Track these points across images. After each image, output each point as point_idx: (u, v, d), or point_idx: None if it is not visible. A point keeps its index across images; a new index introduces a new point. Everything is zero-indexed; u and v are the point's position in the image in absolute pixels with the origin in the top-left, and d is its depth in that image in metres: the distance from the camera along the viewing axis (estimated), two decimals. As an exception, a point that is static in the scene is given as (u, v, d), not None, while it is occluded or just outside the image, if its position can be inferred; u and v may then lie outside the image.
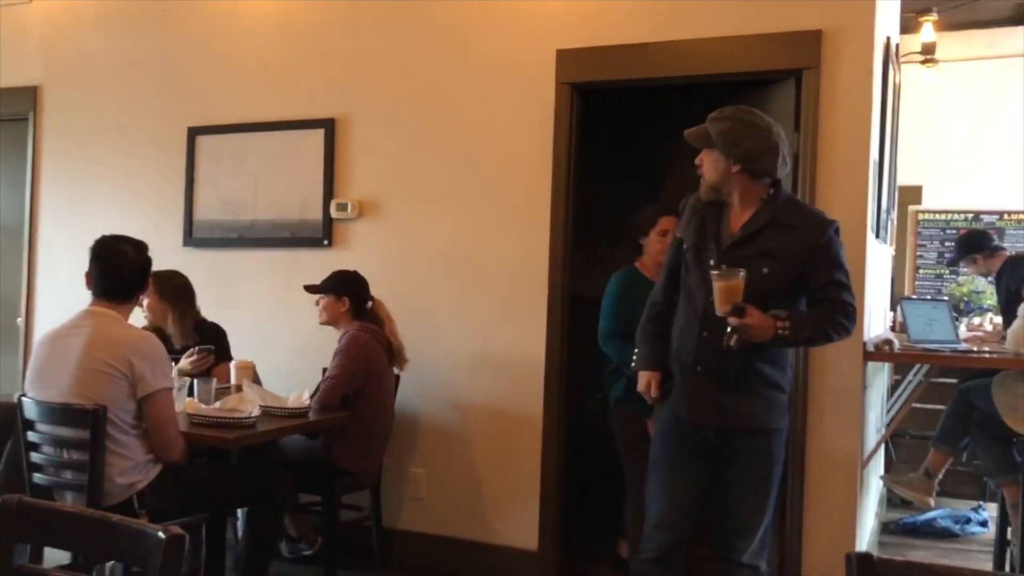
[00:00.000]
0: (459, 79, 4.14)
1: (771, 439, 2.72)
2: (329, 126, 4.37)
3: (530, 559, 3.91)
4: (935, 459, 3.82)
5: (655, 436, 2.84)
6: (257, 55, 4.59)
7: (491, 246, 4.05)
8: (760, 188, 2.69)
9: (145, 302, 3.82)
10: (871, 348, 3.54)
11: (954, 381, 4.33)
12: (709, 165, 2.70)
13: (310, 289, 3.87)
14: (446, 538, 4.08)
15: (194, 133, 4.70)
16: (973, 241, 5.30)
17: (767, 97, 3.68)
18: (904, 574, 1.41)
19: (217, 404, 3.30)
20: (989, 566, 4.06)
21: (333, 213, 4.33)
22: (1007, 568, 3.72)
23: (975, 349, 3.99)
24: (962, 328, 5.07)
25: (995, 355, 3.78)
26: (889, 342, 3.65)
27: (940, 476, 3.80)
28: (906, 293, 7.44)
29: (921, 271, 7.61)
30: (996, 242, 5.39)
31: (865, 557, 1.45)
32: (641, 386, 2.84)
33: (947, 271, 7.45)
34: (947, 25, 7.00)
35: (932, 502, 3.88)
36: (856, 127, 3.52)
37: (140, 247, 3.10)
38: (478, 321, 4.06)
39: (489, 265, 4.05)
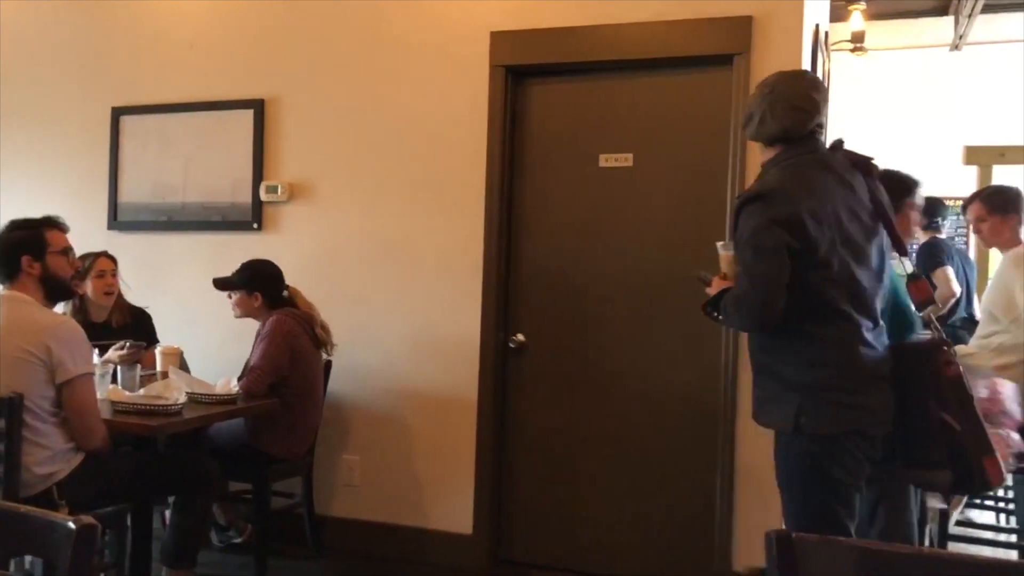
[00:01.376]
0: (392, 60, 4.08)
1: (776, 438, 2.45)
2: (259, 107, 4.28)
3: (465, 543, 3.91)
4: None
5: None
6: (183, 34, 4.46)
7: (426, 230, 4.02)
8: (767, 156, 2.50)
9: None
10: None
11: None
12: None
13: (220, 285, 3.79)
14: (380, 524, 4.05)
15: (118, 113, 4.56)
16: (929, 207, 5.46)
17: (702, 81, 3.70)
18: (820, 550, 1.43)
19: (141, 391, 3.22)
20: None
21: (263, 196, 4.25)
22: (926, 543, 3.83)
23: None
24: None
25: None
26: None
27: None
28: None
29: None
30: (938, 222, 5.58)
31: (783, 535, 1.47)
32: None
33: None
34: (876, 14, 7.14)
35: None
36: (785, 112, 3.56)
37: (13, 225, 2.99)
38: (412, 306, 4.03)
39: (424, 249, 4.02)
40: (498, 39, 3.88)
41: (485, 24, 3.91)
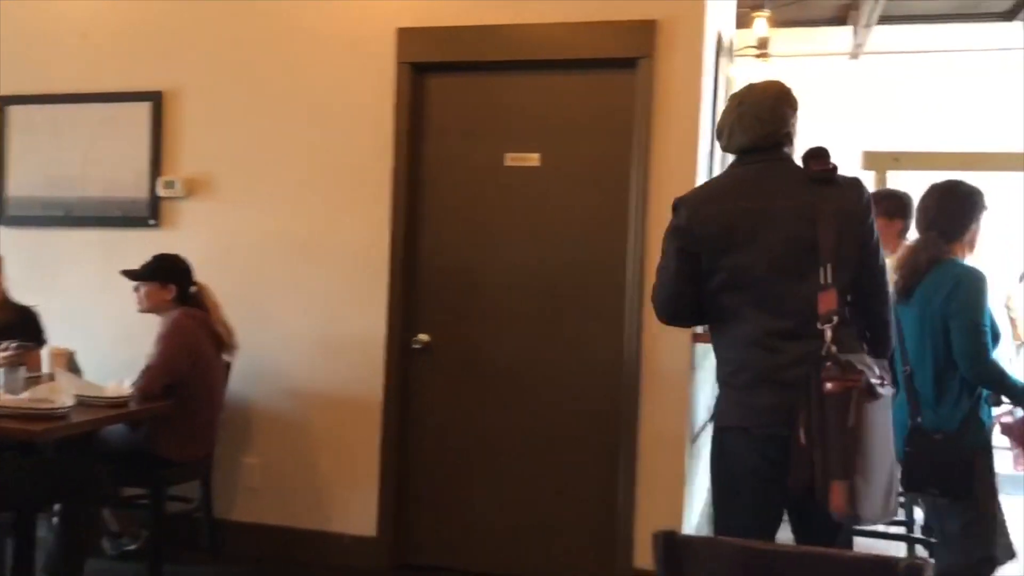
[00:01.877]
0: (296, 55, 4.00)
1: None
2: (156, 99, 4.14)
3: (369, 545, 3.86)
4: None
5: None
6: (76, 22, 4.29)
7: (330, 228, 3.95)
8: None
9: None
10: (699, 330, 3.66)
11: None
12: None
13: (130, 275, 3.66)
14: (282, 527, 3.97)
15: (5, 103, 4.36)
16: None
17: (608, 83, 3.73)
18: (703, 549, 1.45)
19: (26, 394, 3.08)
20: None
21: (160, 191, 4.12)
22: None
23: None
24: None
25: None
26: (716, 324, 3.79)
27: None
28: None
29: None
30: None
31: (669, 535, 1.49)
32: None
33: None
34: (779, 22, 7.32)
35: None
36: (687, 116, 3.62)
37: None
38: (316, 305, 3.96)
39: (328, 248, 3.95)
40: (404, 36, 3.85)
41: (391, 20, 3.87)
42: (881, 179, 7.75)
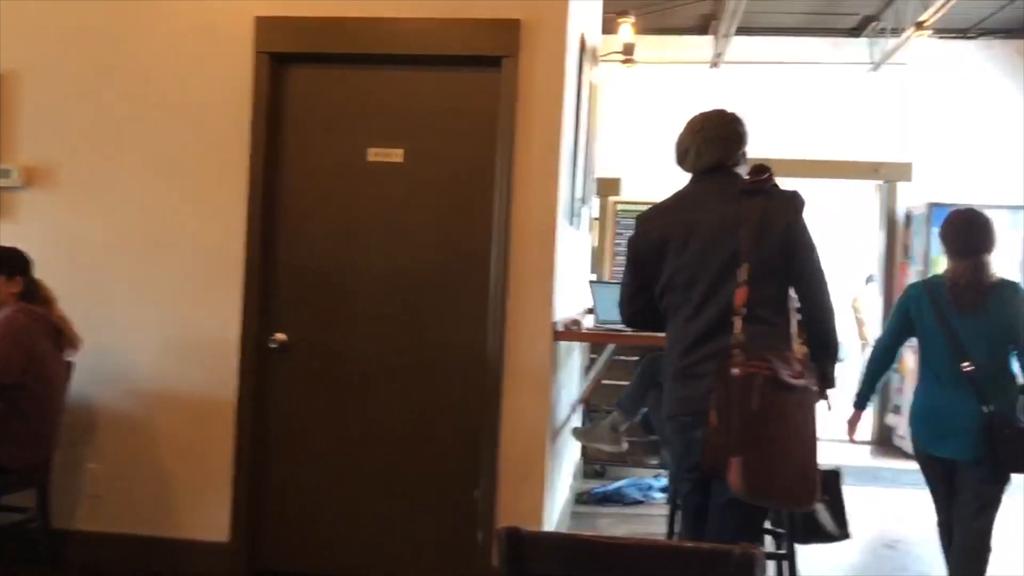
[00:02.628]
0: (147, 39, 3.82)
1: None
2: (-9, 81, 3.87)
3: (222, 552, 3.72)
4: (616, 418, 4.06)
5: None
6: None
7: (182, 223, 3.78)
8: None
9: None
10: (560, 328, 3.71)
11: (635, 358, 4.66)
12: None
13: None
14: (128, 536, 3.77)
15: None
16: None
17: (472, 81, 3.72)
18: (548, 545, 1.45)
19: None
20: (664, 528, 4.41)
21: (-5, 180, 3.85)
22: (676, 530, 4.06)
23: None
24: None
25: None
26: (577, 322, 3.85)
27: (624, 428, 4.03)
28: (606, 278, 7.94)
29: (619, 257, 8.15)
30: None
31: (512, 532, 1.48)
32: None
33: (642, 258, 8.04)
34: (644, 29, 7.52)
35: (624, 446, 4.11)
36: (550, 116, 3.65)
37: None
38: (166, 303, 3.78)
39: (179, 244, 3.78)
40: (263, 25, 3.73)
41: (250, 8, 3.74)
42: (739, 184, 8.03)
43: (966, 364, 3.35)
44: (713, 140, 2.74)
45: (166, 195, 3.79)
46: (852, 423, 3.74)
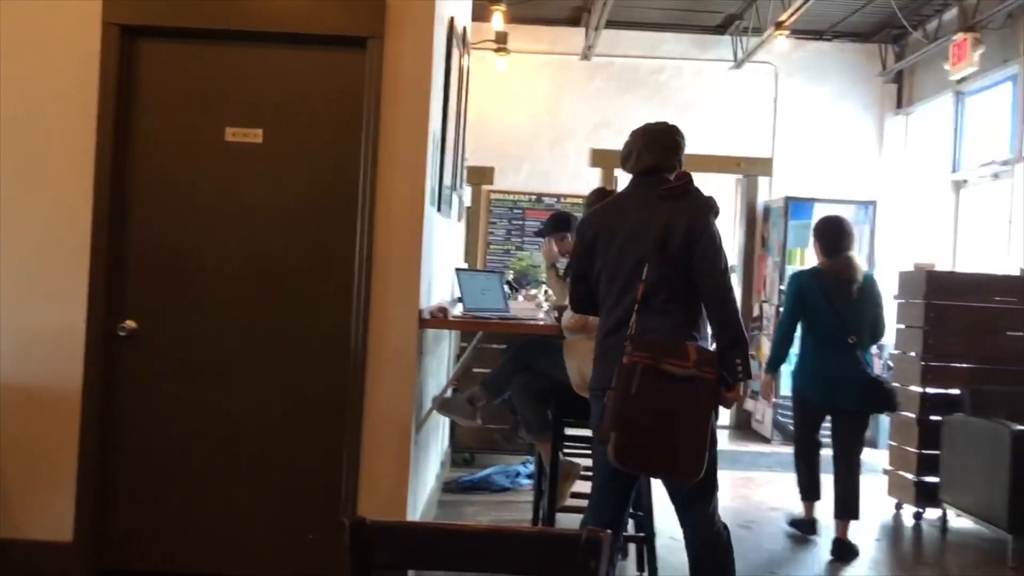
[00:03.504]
0: (-19, 5, 3.54)
1: None
2: None
3: (64, 552, 3.50)
4: (477, 393, 4.04)
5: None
6: None
7: (20, 205, 3.54)
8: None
9: None
10: (427, 316, 3.66)
11: (504, 346, 4.67)
12: None
13: None
14: (-41, 539, 3.51)
15: None
16: (568, 222, 5.82)
17: (337, 63, 3.62)
18: (390, 533, 1.41)
19: None
20: (530, 515, 4.45)
21: None
22: (540, 516, 4.10)
23: (523, 317, 4.34)
24: (522, 298, 5.52)
25: (541, 323, 4.14)
26: (444, 309, 3.81)
27: (482, 404, 4.01)
28: (479, 266, 7.95)
29: (492, 246, 8.18)
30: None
31: (358, 521, 1.44)
32: None
33: (514, 246, 8.08)
34: (516, 18, 7.55)
35: (479, 421, 4.09)
36: (417, 99, 3.60)
37: None
38: (4, 289, 3.53)
39: (17, 226, 3.53)
40: (112, -6, 3.52)
41: (97, -24, 3.52)
42: (608, 176, 8.21)
43: (851, 338, 4.46)
44: (652, 146, 3.05)
45: (2, 173, 3.53)
46: (766, 386, 5.69)
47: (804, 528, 4.75)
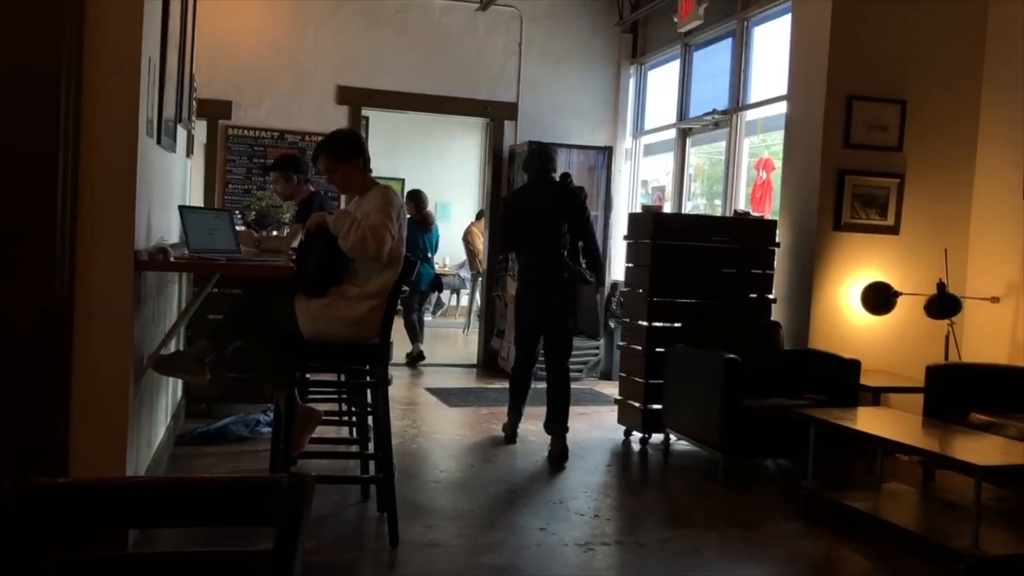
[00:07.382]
0: None
1: None
2: None
3: None
4: (203, 348, 3.78)
5: None
6: None
7: None
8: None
9: None
10: (144, 257, 3.38)
11: (239, 291, 4.43)
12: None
13: None
14: None
15: None
16: (297, 164, 5.60)
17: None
18: (67, 494, 1.26)
19: None
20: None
21: None
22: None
23: (258, 259, 4.13)
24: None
25: (275, 265, 3.96)
26: (164, 250, 3.53)
27: (210, 360, 3.76)
28: (217, 205, 7.51)
29: (231, 185, 7.75)
30: (309, 176, 5.69)
31: (23, 485, 1.27)
32: None
33: (256, 185, 7.71)
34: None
35: (207, 377, 3.82)
36: (127, 20, 3.25)
37: None
38: None
39: None
40: None
41: None
42: (355, 115, 8.02)
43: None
44: (543, 156, 5.60)
45: None
46: None
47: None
